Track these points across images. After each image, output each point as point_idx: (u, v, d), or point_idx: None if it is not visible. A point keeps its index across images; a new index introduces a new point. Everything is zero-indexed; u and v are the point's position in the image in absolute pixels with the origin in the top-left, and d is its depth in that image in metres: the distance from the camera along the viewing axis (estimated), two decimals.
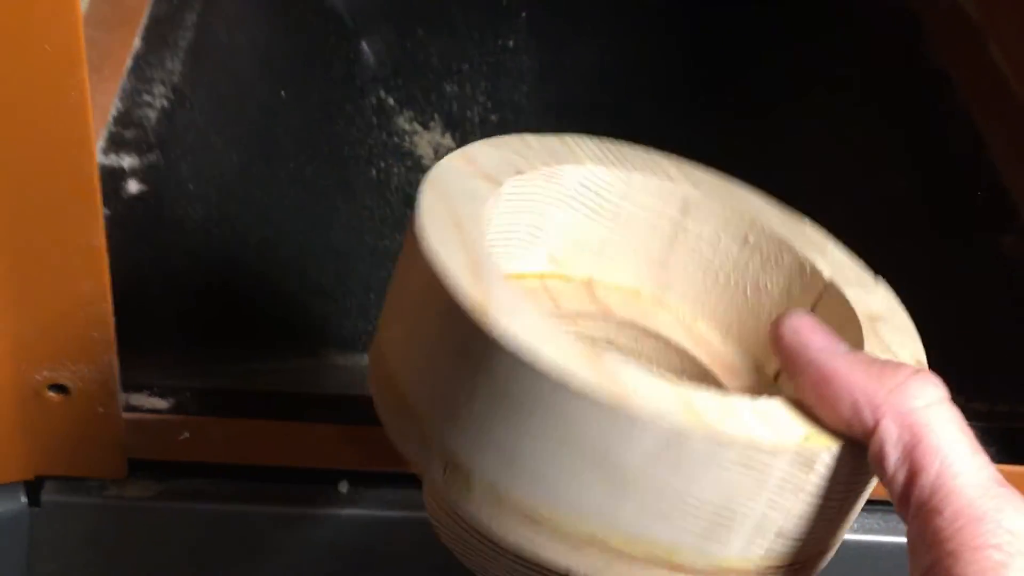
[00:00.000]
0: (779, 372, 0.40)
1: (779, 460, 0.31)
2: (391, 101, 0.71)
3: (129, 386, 0.46)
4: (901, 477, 0.30)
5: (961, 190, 0.63)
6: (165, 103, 0.60)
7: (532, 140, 0.41)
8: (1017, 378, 0.54)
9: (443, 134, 0.71)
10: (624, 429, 0.31)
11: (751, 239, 0.41)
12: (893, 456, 0.30)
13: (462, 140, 0.71)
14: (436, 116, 0.71)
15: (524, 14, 0.78)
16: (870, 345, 0.35)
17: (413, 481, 0.47)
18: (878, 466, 0.31)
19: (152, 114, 0.60)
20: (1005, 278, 0.59)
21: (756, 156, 0.69)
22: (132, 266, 0.52)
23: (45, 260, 0.39)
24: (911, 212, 0.64)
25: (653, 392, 0.31)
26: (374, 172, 0.67)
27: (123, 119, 0.59)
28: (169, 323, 0.52)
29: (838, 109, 0.71)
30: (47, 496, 0.45)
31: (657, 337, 0.42)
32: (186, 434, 0.44)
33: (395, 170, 0.68)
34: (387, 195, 0.66)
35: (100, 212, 0.39)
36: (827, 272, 0.39)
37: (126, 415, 0.44)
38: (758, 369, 0.41)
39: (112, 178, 0.56)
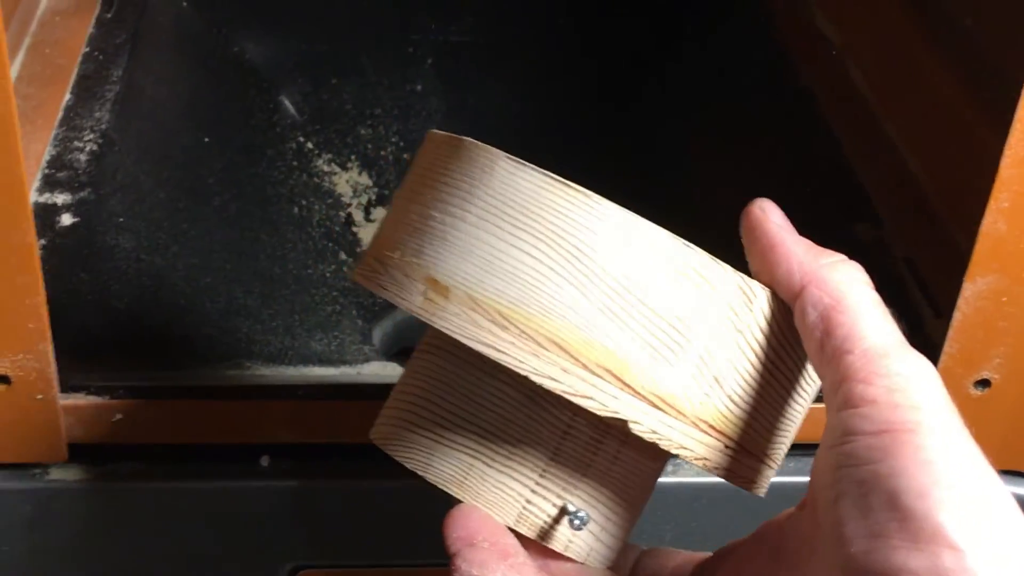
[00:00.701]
0: None
1: (726, 285, 0.37)
2: (310, 145, 0.76)
3: (67, 387, 0.50)
4: (818, 333, 0.36)
5: (822, 187, 0.69)
6: (95, 147, 0.64)
7: None
8: None
9: (360, 173, 0.75)
10: (591, 216, 0.36)
11: None
12: (812, 315, 0.37)
13: (379, 178, 0.75)
14: (353, 157, 0.76)
15: (430, 60, 0.83)
16: None
17: (326, 452, 0.52)
18: (800, 323, 0.37)
19: (83, 157, 0.63)
20: (862, 261, 0.64)
21: (653, 178, 0.74)
22: (68, 290, 0.57)
23: None
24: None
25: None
26: (296, 209, 0.71)
27: (56, 162, 0.63)
28: (103, 340, 0.55)
29: (713, 122, 0.77)
30: None
31: None
32: (119, 416, 0.48)
33: (316, 207, 0.72)
34: (309, 229, 0.70)
35: (30, 211, 0.44)
36: None
37: (63, 401, 0.48)
38: None
39: (47, 213, 0.60)
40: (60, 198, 0.61)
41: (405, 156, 0.77)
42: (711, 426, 0.38)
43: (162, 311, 0.58)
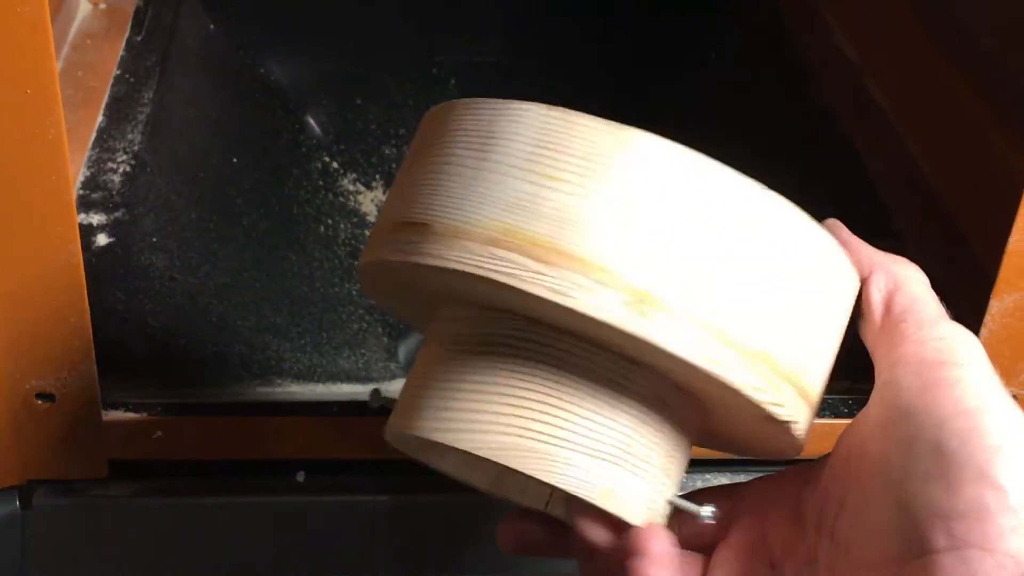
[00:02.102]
0: None
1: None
2: (335, 164, 0.77)
3: (105, 405, 0.51)
4: (880, 308, 0.41)
5: (844, 204, 0.69)
6: (127, 168, 0.65)
7: None
8: None
9: (384, 192, 0.75)
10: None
11: None
12: (876, 295, 0.41)
13: None
14: (377, 176, 0.77)
15: (453, 80, 0.84)
16: None
17: (362, 468, 0.53)
18: (865, 299, 0.42)
19: (116, 178, 0.64)
20: None
21: None
22: (104, 308, 0.57)
23: (29, 278, 0.45)
24: None
25: None
26: (322, 228, 0.71)
27: (90, 183, 0.64)
28: (139, 358, 0.56)
29: (733, 140, 0.77)
30: (38, 500, 0.50)
31: None
32: (159, 433, 0.49)
33: (342, 226, 0.72)
34: (335, 248, 0.70)
35: (76, 232, 0.44)
36: None
37: (105, 417, 0.49)
38: None
39: (83, 233, 0.60)
40: (95, 218, 0.62)
41: None
42: (807, 393, 0.39)
43: (195, 329, 0.59)
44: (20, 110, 0.42)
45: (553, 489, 0.45)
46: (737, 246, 0.37)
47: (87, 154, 0.66)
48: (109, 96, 0.70)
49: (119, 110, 0.69)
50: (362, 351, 0.62)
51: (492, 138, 0.37)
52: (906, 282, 0.41)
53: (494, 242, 0.36)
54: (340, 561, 0.53)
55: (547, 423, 0.38)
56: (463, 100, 0.39)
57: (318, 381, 0.58)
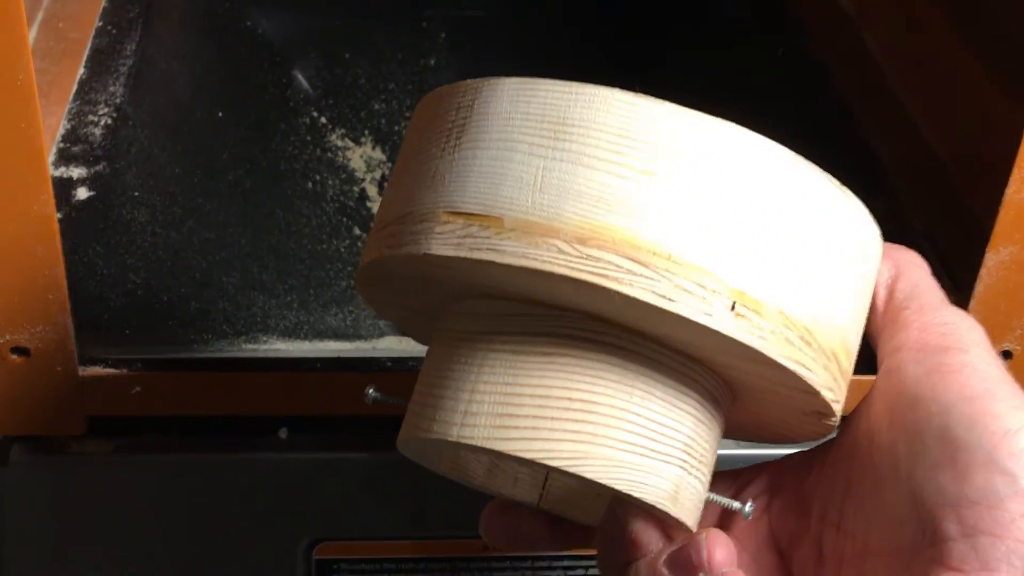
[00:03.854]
0: None
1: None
2: (323, 120, 0.75)
3: (85, 361, 0.50)
4: (883, 294, 0.40)
5: (838, 160, 0.69)
6: (109, 121, 0.64)
7: None
8: None
9: (374, 148, 0.74)
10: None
11: None
12: (879, 279, 0.40)
13: (393, 153, 0.74)
14: (366, 132, 0.75)
15: (443, 35, 0.82)
16: None
17: (344, 425, 0.52)
18: None
19: (98, 131, 0.63)
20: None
21: None
22: (84, 263, 0.57)
23: (1, 229, 0.44)
24: None
25: None
26: (310, 184, 0.70)
27: (71, 136, 0.63)
28: (120, 314, 0.55)
29: (725, 93, 0.76)
30: (15, 456, 0.50)
31: None
32: (137, 388, 0.48)
33: (330, 182, 0.71)
34: (323, 205, 0.69)
35: (49, 183, 0.43)
36: None
37: (82, 372, 0.48)
38: None
39: (62, 187, 0.60)
40: (75, 172, 0.61)
41: None
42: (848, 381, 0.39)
43: (178, 285, 0.58)
44: None
45: (548, 480, 0.44)
46: (818, 244, 0.36)
47: (68, 106, 0.65)
48: (91, 48, 0.69)
49: (101, 62, 0.68)
50: (350, 308, 0.61)
51: (565, 125, 0.35)
52: (908, 268, 0.41)
53: (584, 240, 0.33)
54: (322, 518, 0.52)
55: (618, 427, 0.36)
56: (515, 80, 0.36)
57: (305, 338, 0.58)
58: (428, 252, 0.35)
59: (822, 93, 0.72)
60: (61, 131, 0.63)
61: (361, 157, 0.74)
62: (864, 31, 0.73)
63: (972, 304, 0.50)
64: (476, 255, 0.34)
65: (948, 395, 0.36)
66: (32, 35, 0.68)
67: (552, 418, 0.35)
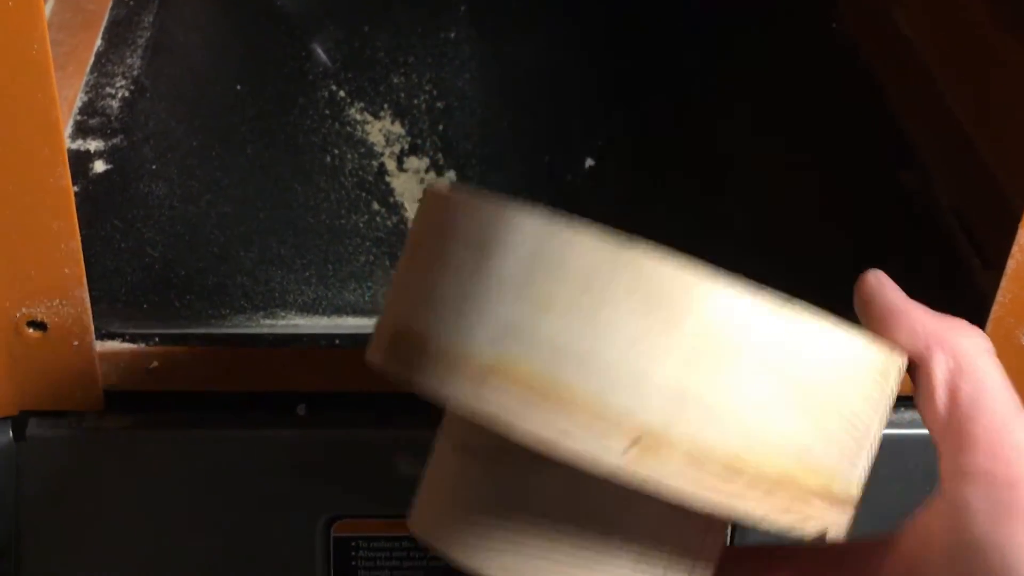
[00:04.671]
0: None
1: (878, 357, 0.35)
2: (342, 93, 0.75)
3: (101, 335, 0.50)
4: (943, 397, 0.36)
5: (865, 134, 0.68)
6: (127, 94, 0.64)
7: None
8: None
9: (393, 122, 0.74)
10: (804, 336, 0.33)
11: None
12: (938, 378, 0.36)
13: (412, 127, 0.73)
14: (385, 106, 0.74)
15: (463, 7, 0.82)
16: None
17: (364, 402, 0.52)
18: (924, 383, 0.36)
19: (115, 104, 0.63)
20: (906, 210, 0.63)
21: (697, 134, 0.72)
22: (101, 237, 0.56)
23: (17, 202, 0.43)
24: (822, 155, 0.68)
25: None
26: (328, 159, 0.70)
27: (88, 109, 0.62)
28: (138, 288, 0.55)
29: (751, 68, 0.75)
30: (31, 431, 0.49)
31: None
32: (155, 363, 0.48)
33: (348, 156, 0.70)
34: (341, 179, 0.69)
35: (65, 155, 0.43)
36: None
37: (99, 347, 0.47)
38: None
39: (79, 160, 0.59)
40: (93, 145, 0.61)
41: (439, 105, 0.76)
42: (839, 496, 0.36)
43: (196, 260, 0.58)
44: (0, 24, 0.40)
45: None
46: (750, 372, 0.33)
47: (85, 79, 0.65)
48: (108, 19, 0.69)
49: (118, 34, 0.68)
50: (368, 284, 0.61)
51: (486, 247, 0.34)
52: (971, 363, 0.36)
53: (489, 373, 0.33)
54: (340, 496, 0.52)
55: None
56: (459, 193, 0.35)
57: (323, 314, 0.57)
58: (384, 368, 0.36)
59: (851, 68, 0.71)
60: (78, 104, 0.63)
61: (380, 131, 0.73)
62: (893, 5, 0.72)
63: (1004, 283, 0.49)
64: (407, 376, 0.34)
65: (1019, 550, 0.32)
66: (48, 7, 0.67)
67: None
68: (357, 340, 0.52)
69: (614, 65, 0.79)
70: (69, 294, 0.45)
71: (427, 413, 0.51)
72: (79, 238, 0.45)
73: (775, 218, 0.65)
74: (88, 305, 0.46)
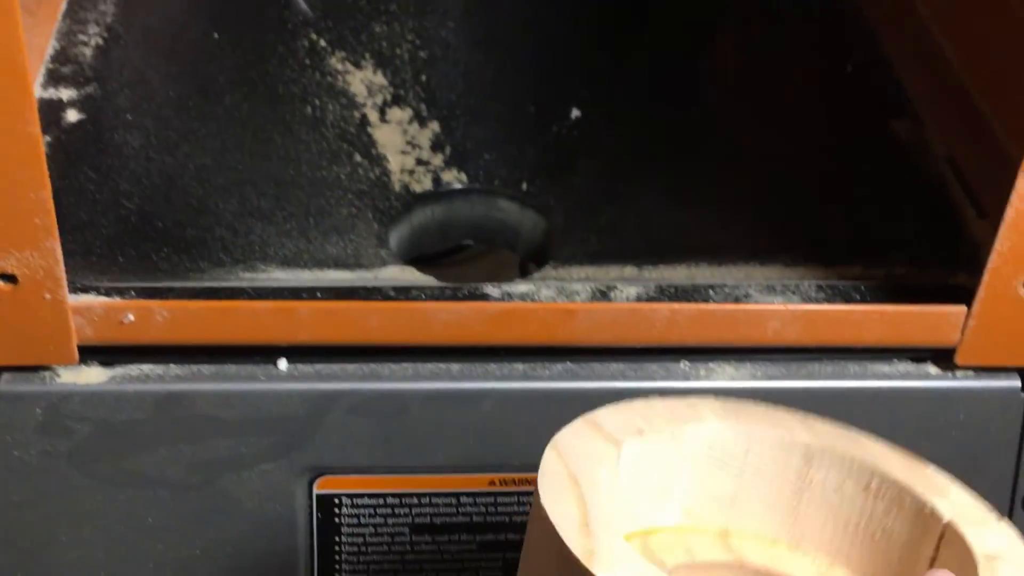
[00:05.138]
0: None
1: None
2: (322, 43, 0.73)
3: (76, 289, 0.48)
4: None
5: (857, 82, 0.66)
6: (100, 41, 0.62)
7: (657, 403, 0.44)
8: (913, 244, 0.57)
9: (375, 72, 0.72)
10: None
11: (874, 486, 0.43)
12: None
13: (394, 77, 0.72)
14: (367, 55, 0.73)
15: None
16: None
17: (346, 355, 0.50)
18: None
19: (88, 51, 0.61)
20: (900, 159, 0.62)
21: (684, 82, 0.71)
22: (75, 188, 0.55)
23: None
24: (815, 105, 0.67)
25: None
26: (309, 109, 0.68)
27: (60, 57, 0.61)
28: (113, 241, 0.54)
29: (745, 16, 0.74)
30: (3, 386, 0.48)
31: None
32: (130, 316, 0.46)
33: (330, 107, 0.69)
34: (323, 130, 0.67)
35: (33, 99, 0.41)
36: (948, 514, 0.41)
37: (72, 300, 0.46)
38: None
39: (51, 109, 0.58)
40: (65, 93, 0.59)
41: (421, 54, 0.74)
42: None
43: (173, 212, 0.57)
44: None
45: None
46: None
47: (57, 25, 0.63)
48: None
49: None
50: (351, 237, 0.60)
51: None
52: None
53: None
54: (323, 451, 0.51)
55: None
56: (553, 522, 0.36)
57: (304, 267, 0.56)
58: None
59: (845, 17, 0.69)
60: (50, 51, 0.61)
61: (362, 81, 0.72)
62: None
63: (1002, 231, 0.48)
64: None
65: None
66: None
67: None
68: (339, 293, 0.51)
69: (602, 11, 0.78)
70: (40, 245, 0.44)
71: (410, 363, 0.50)
72: (49, 187, 0.43)
73: (765, 167, 0.63)
74: (60, 257, 0.45)
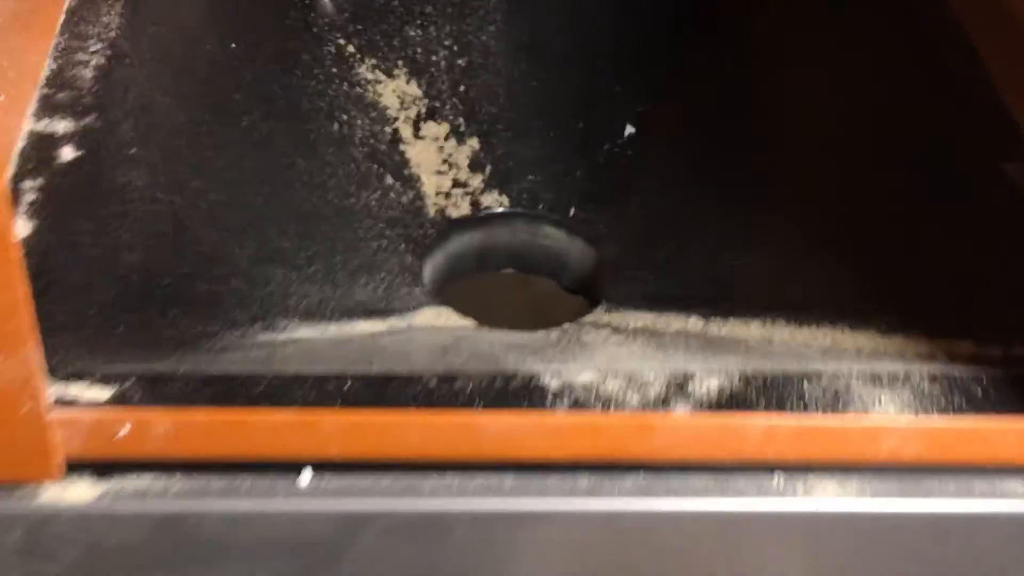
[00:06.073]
0: None
1: None
2: (351, 48, 0.70)
3: (67, 374, 0.43)
4: None
5: (971, 122, 0.61)
6: (103, 60, 0.57)
7: None
8: None
9: (408, 81, 0.70)
10: None
11: None
12: None
13: (429, 87, 0.70)
14: (399, 63, 0.70)
15: None
16: None
17: (384, 466, 0.44)
18: None
19: (88, 73, 0.57)
20: (1013, 202, 0.56)
21: (758, 99, 0.67)
22: (67, 244, 0.50)
23: None
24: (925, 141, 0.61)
25: None
26: (336, 126, 0.65)
27: (56, 79, 0.56)
28: (111, 306, 0.49)
29: (849, 47, 0.68)
30: None
31: None
32: (128, 427, 0.40)
33: (359, 122, 0.67)
34: (350, 150, 0.65)
35: (7, 189, 0.35)
36: None
37: (58, 411, 0.40)
38: None
39: (44, 146, 0.53)
40: (61, 126, 0.55)
41: (459, 62, 0.70)
42: None
43: (181, 264, 0.52)
44: None
45: None
46: None
47: (53, 41, 0.58)
48: None
49: None
50: (382, 275, 0.58)
51: None
52: None
53: None
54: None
55: None
56: None
57: (330, 319, 0.53)
58: None
59: (953, 49, 0.64)
60: (45, 72, 0.56)
61: (393, 92, 0.69)
62: None
63: None
64: None
65: None
66: None
67: None
68: (371, 382, 0.45)
69: (659, 17, 0.73)
70: (13, 353, 0.38)
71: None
72: (26, 286, 0.37)
73: (850, 207, 0.58)
74: (39, 365, 0.39)
